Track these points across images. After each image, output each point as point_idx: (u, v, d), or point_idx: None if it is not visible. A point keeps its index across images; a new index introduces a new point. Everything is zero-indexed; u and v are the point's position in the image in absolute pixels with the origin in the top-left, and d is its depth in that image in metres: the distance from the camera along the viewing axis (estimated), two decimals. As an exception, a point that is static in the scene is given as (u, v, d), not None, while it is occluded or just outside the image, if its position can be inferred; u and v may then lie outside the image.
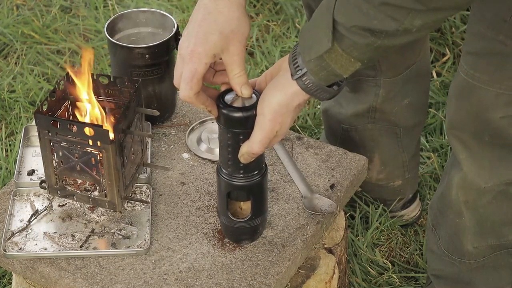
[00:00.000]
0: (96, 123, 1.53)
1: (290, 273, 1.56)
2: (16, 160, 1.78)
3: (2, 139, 2.40)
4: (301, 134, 2.04)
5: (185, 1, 2.85)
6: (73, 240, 1.55)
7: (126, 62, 1.70)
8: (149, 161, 1.68)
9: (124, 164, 1.54)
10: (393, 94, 1.96)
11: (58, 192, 1.59)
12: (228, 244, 1.55)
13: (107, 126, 1.50)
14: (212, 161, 1.72)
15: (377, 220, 2.14)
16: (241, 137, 1.38)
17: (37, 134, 1.54)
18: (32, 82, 2.56)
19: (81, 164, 1.53)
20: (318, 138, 2.30)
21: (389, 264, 2.07)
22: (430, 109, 2.42)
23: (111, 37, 1.72)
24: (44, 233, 1.56)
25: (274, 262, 1.52)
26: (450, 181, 1.69)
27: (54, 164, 1.55)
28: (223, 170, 1.45)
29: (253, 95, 1.38)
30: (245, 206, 1.49)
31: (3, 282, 2.03)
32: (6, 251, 1.53)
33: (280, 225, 1.59)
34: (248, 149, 1.37)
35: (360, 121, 2.02)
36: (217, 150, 1.66)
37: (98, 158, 1.51)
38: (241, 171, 1.43)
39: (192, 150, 1.74)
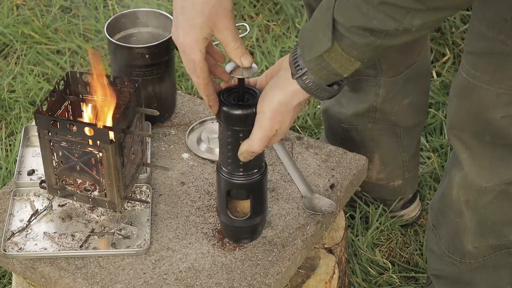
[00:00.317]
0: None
1: (290, 273, 1.56)
2: (16, 160, 1.78)
3: (2, 139, 2.40)
4: (301, 134, 2.04)
5: (185, 1, 2.84)
6: (73, 240, 1.55)
7: (126, 62, 1.70)
8: (149, 161, 1.68)
9: (124, 164, 1.54)
10: (393, 94, 1.96)
11: (58, 192, 1.59)
12: (228, 244, 1.55)
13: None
14: (212, 161, 1.72)
15: (377, 220, 2.14)
16: (241, 135, 1.39)
17: (37, 134, 1.54)
18: (32, 82, 2.56)
19: (81, 164, 1.53)
20: (318, 138, 2.30)
21: (389, 264, 2.07)
22: (430, 109, 2.42)
23: (111, 37, 1.72)
24: (44, 233, 1.56)
25: (274, 262, 1.52)
26: (450, 181, 1.69)
27: (54, 164, 1.55)
28: (223, 168, 1.45)
29: (254, 64, 1.37)
30: (245, 205, 1.49)
31: (3, 282, 2.03)
32: (6, 251, 1.53)
33: (280, 225, 1.59)
34: (248, 147, 1.37)
35: (360, 121, 2.02)
36: (217, 150, 1.66)
37: (98, 158, 1.51)
38: (241, 169, 1.43)
39: (192, 150, 1.74)
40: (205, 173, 1.70)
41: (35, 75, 2.61)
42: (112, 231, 1.57)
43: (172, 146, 1.76)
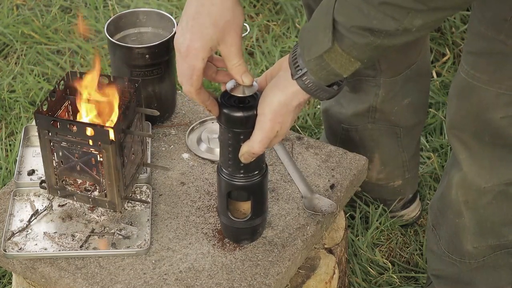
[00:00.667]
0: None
1: (290, 273, 1.56)
2: (16, 160, 1.78)
3: (2, 139, 2.40)
4: (301, 134, 2.04)
5: (185, 1, 2.84)
6: (73, 240, 1.55)
7: (126, 62, 1.70)
8: (149, 161, 1.68)
9: (124, 164, 1.54)
10: (393, 94, 1.96)
11: (58, 192, 1.59)
12: (228, 244, 1.55)
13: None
14: (212, 161, 1.72)
15: (377, 220, 2.14)
16: (242, 137, 1.39)
17: (37, 134, 1.54)
18: (32, 82, 2.56)
19: (81, 164, 1.53)
20: (318, 138, 2.30)
21: (389, 264, 2.07)
22: (430, 109, 2.42)
23: (111, 37, 1.72)
24: (44, 233, 1.56)
25: (274, 262, 1.52)
26: (450, 181, 1.69)
27: (54, 164, 1.55)
28: (224, 170, 1.45)
29: (254, 82, 1.37)
30: (245, 206, 1.49)
31: (3, 282, 2.03)
32: (6, 251, 1.53)
33: (280, 225, 1.59)
34: (249, 149, 1.37)
35: (360, 121, 2.02)
36: (217, 150, 1.66)
37: (98, 158, 1.51)
38: (242, 171, 1.43)
39: (192, 150, 1.74)
40: (205, 173, 1.70)
41: (35, 75, 2.61)
42: (112, 231, 1.57)
43: (172, 146, 1.76)
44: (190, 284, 1.48)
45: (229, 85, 1.37)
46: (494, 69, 1.50)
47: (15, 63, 2.68)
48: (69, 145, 1.51)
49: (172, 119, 1.83)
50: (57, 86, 1.56)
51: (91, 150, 1.50)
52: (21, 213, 1.60)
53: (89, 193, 1.58)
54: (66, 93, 1.58)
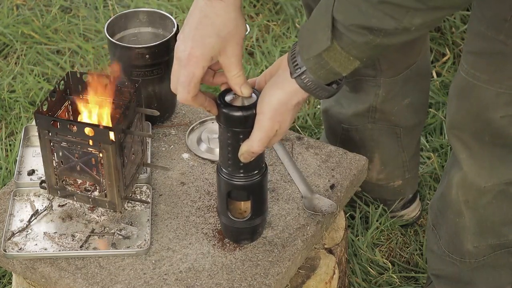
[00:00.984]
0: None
1: (290, 273, 1.56)
2: (16, 160, 1.78)
3: (2, 139, 2.40)
4: (301, 134, 2.04)
5: (185, 1, 2.85)
6: (73, 240, 1.55)
7: (126, 62, 1.70)
8: (149, 161, 1.68)
9: (124, 164, 1.54)
10: (393, 94, 1.96)
11: (58, 192, 1.59)
12: (228, 244, 1.55)
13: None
14: (212, 161, 1.72)
15: (377, 220, 2.14)
16: (241, 136, 1.38)
17: (37, 134, 1.54)
18: (32, 82, 2.56)
19: (81, 164, 1.53)
20: (318, 138, 2.30)
21: (389, 264, 2.07)
22: (430, 109, 2.42)
23: (111, 37, 1.72)
24: (44, 233, 1.56)
25: (274, 262, 1.52)
26: (450, 181, 1.69)
27: (54, 164, 1.55)
28: (223, 169, 1.45)
29: (253, 94, 1.38)
30: (245, 206, 1.49)
31: (3, 282, 2.03)
32: (6, 251, 1.53)
33: (280, 225, 1.59)
34: (248, 148, 1.37)
35: (360, 121, 2.02)
36: (217, 150, 1.66)
37: (98, 158, 1.51)
38: (241, 171, 1.43)
39: (192, 150, 1.74)
40: (205, 173, 1.69)
41: (35, 75, 2.61)
42: (112, 231, 1.57)
43: (172, 146, 1.76)
44: (190, 284, 1.48)
45: (228, 98, 1.38)
46: (494, 69, 1.50)
47: (15, 63, 2.68)
48: (69, 145, 1.51)
49: (172, 119, 1.83)
50: (57, 86, 1.56)
51: (91, 150, 1.50)
52: (21, 213, 1.60)
53: (89, 193, 1.58)
54: (66, 93, 1.58)
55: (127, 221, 1.58)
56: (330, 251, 1.67)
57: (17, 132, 2.42)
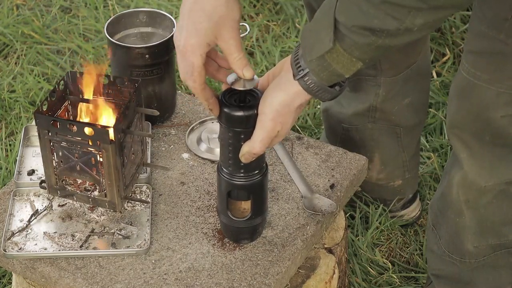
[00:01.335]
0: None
1: (290, 273, 1.56)
2: (16, 160, 1.78)
3: (2, 139, 2.40)
4: (301, 134, 2.04)
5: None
6: (73, 240, 1.55)
7: (126, 62, 1.70)
8: (149, 161, 1.68)
9: (124, 164, 1.53)
10: (394, 94, 1.96)
11: (58, 192, 1.59)
12: (228, 244, 1.55)
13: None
14: (212, 161, 1.72)
15: (377, 220, 2.14)
16: (242, 136, 1.38)
17: (37, 134, 1.54)
18: (32, 82, 2.56)
19: (81, 164, 1.52)
20: (318, 138, 2.30)
21: (389, 264, 2.07)
22: (430, 109, 2.42)
23: (111, 37, 1.72)
24: (44, 233, 1.56)
25: (274, 262, 1.52)
26: (450, 181, 1.69)
27: (54, 164, 1.55)
28: (224, 169, 1.45)
29: (255, 76, 1.37)
30: (245, 206, 1.49)
31: (3, 282, 2.03)
32: (6, 251, 1.53)
33: (280, 225, 1.59)
34: (249, 149, 1.37)
35: (360, 120, 2.02)
36: (217, 150, 1.66)
37: (98, 158, 1.51)
38: (242, 171, 1.43)
39: (192, 150, 1.74)
40: (205, 173, 1.69)
41: (35, 75, 2.61)
42: (112, 231, 1.57)
43: (172, 146, 1.76)
44: (190, 284, 1.48)
45: (230, 79, 1.37)
46: (494, 68, 1.50)
47: (15, 63, 2.68)
48: (69, 145, 1.51)
49: (172, 119, 1.83)
50: (57, 86, 1.55)
51: (91, 150, 1.50)
52: (21, 213, 1.60)
53: (89, 193, 1.58)
54: (66, 93, 1.58)
55: (127, 221, 1.58)
56: (330, 251, 1.67)
57: (17, 132, 2.42)
